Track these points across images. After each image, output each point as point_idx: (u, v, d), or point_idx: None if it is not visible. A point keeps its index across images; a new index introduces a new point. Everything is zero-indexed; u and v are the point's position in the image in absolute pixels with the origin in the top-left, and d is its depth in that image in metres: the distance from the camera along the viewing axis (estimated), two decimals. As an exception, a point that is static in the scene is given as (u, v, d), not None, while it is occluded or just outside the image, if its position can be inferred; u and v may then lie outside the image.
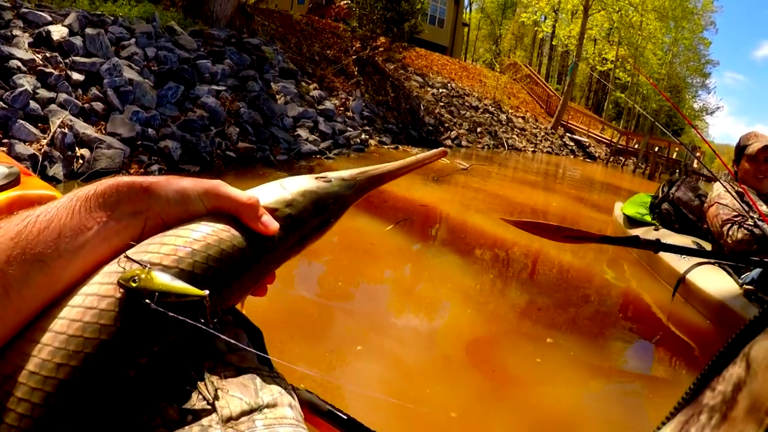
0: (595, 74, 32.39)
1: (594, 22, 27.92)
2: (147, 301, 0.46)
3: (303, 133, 8.18)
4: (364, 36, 12.71)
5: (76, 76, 5.52)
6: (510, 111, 21.49)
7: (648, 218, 4.81)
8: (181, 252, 0.53)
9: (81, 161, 4.75)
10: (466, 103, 18.04)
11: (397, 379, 2.37)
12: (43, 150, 4.59)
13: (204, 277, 0.53)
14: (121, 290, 0.48)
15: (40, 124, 4.87)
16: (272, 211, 0.64)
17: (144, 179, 0.55)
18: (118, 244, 0.53)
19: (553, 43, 38.05)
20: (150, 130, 5.57)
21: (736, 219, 3.43)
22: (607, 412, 2.35)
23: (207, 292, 0.49)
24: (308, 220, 0.68)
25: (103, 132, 5.23)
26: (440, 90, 16.97)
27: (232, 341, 0.55)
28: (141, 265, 0.50)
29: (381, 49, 12.72)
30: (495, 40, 45.80)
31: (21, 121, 4.68)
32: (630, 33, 31.07)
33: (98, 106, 5.43)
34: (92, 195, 0.52)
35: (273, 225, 0.61)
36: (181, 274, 0.51)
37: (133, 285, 0.47)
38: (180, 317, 0.47)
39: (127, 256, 0.51)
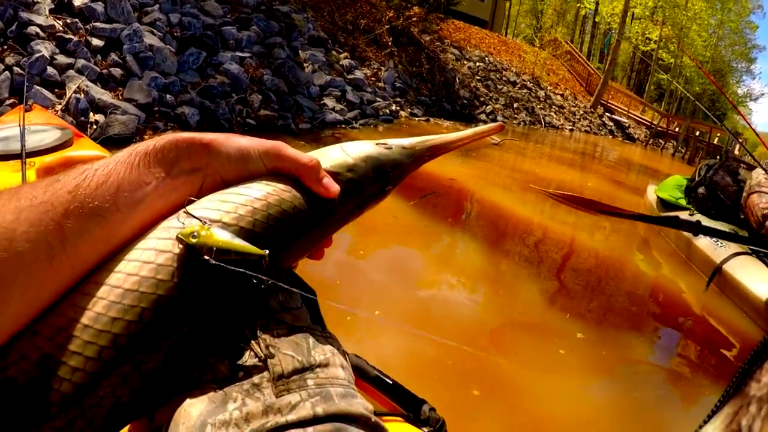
0: (640, 50, 31.27)
1: (638, 0, 26.88)
2: (206, 257, 0.46)
3: (329, 102, 7.94)
4: (399, 6, 12.31)
5: (96, 41, 5.41)
6: (549, 88, 20.84)
7: (683, 202, 4.55)
8: (242, 210, 0.53)
9: (94, 126, 4.63)
10: (504, 78, 17.50)
11: (419, 348, 2.35)
12: (57, 115, 4.50)
13: (264, 236, 0.53)
14: (180, 245, 0.48)
15: (57, 90, 4.82)
16: (334, 175, 0.63)
17: (204, 136, 0.54)
18: (176, 201, 0.53)
19: (596, 20, 37.01)
20: (168, 96, 5.42)
21: None
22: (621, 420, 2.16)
23: (267, 251, 0.49)
24: (368, 186, 0.67)
25: (120, 98, 5.10)
26: (477, 63, 16.46)
27: (294, 291, 0.57)
28: (201, 221, 0.49)
29: (415, 19, 12.33)
30: (536, 16, 44.70)
31: (37, 87, 4.65)
32: (675, 13, 29.79)
33: (117, 71, 5.32)
34: (151, 150, 0.52)
35: (334, 188, 0.61)
36: (241, 232, 0.51)
37: (193, 241, 0.47)
38: (240, 269, 0.47)
39: (186, 212, 0.51)
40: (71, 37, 5.22)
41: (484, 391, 2.10)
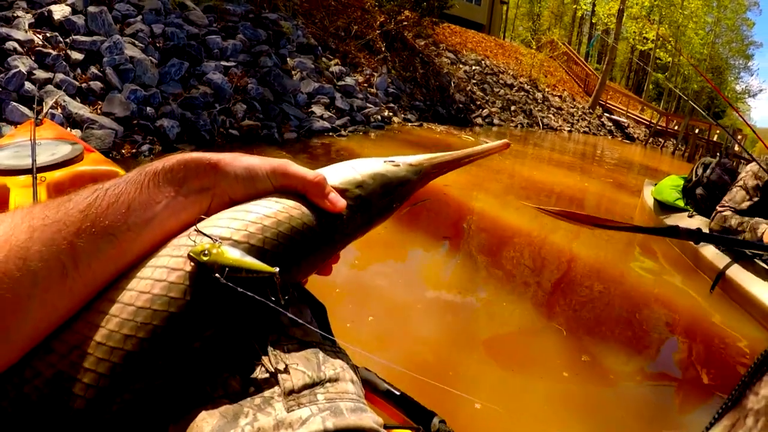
0: (636, 52, 31.23)
1: (634, 0, 26.82)
2: (217, 275, 0.47)
3: (317, 109, 7.81)
4: (391, 10, 12.20)
5: (76, 55, 5.30)
6: (546, 89, 20.70)
7: (680, 203, 4.39)
8: (252, 227, 0.53)
9: (70, 142, 4.52)
10: (501, 81, 17.39)
11: (419, 357, 2.32)
12: (31, 131, 4.40)
13: (274, 253, 0.53)
14: (191, 263, 0.48)
15: (35, 106, 4.68)
16: (342, 192, 0.64)
17: (212, 156, 0.56)
18: (185, 219, 0.54)
19: (593, 21, 37.02)
20: (149, 108, 5.30)
21: (727, 206, 3.40)
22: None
23: (277, 269, 0.49)
24: (376, 202, 0.68)
25: (99, 112, 4.99)
26: (473, 67, 16.35)
27: (298, 321, 0.57)
28: (212, 239, 0.50)
29: (405, 23, 12.23)
30: (533, 19, 44.71)
31: (14, 103, 4.55)
32: (671, 11, 29.78)
33: (96, 85, 5.21)
34: (160, 170, 0.53)
35: (340, 202, 0.62)
36: (251, 250, 0.51)
37: (204, 259, 0.47)
38: (249, 293, 0.47)
39: (197, 230, 0.52)
40: (50, 51, 5.11)
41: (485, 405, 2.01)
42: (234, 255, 0.48)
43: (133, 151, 4.76)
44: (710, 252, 3.54)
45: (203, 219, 0.53)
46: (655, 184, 5.06)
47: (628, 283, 3.71)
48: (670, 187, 4.61)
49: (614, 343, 2.75)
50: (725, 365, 2.69)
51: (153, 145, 4.97)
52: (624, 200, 6.84)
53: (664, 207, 4.60)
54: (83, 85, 5.15)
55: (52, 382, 0.43)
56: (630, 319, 3.15)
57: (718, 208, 3.48)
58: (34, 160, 1.79)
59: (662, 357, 2.76)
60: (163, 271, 0.48)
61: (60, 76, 5.01)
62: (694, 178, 4.27)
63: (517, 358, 2.46)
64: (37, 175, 1.75)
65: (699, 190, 4.13)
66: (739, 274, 3.19)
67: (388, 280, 3.16)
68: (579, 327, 2.87)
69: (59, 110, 4.66)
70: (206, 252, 0.47)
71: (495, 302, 3.02)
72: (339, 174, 0.66)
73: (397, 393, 1.10)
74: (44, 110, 4.68)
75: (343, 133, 7.68)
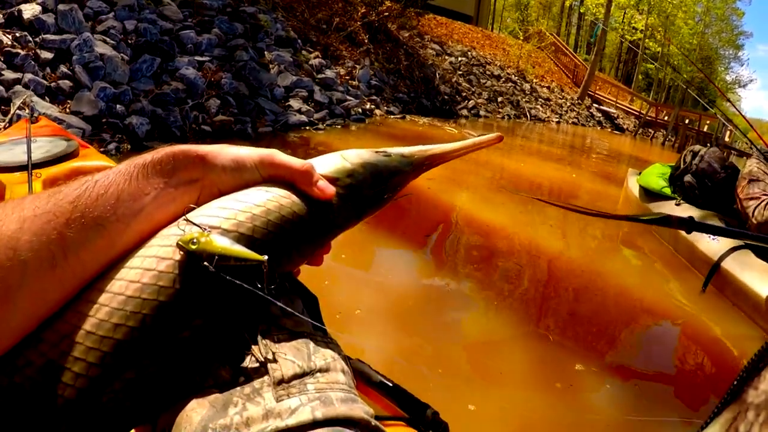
0: (625, 43, 31.26)
1: (623, -11, 26.93)
2: (205, 264, 0.47)
3: (295, 103, 7.71)
4: (373, 1, 12.10)
5: (45, 54, 5.22)
6: (534, 80, 20.66)
7: (667, 191, 4.32)
8: (241, 216, 0.53)
9: (36, 142, 4.46)
10: (487, 72, 17.31)
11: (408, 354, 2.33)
12: (-3, 132, 4.34)
13: (263, 242, 0.53)
14: (181, 252, 0.48)
15: (3, 107, 4.64)
16: (333, 181, 0.64)
17: (199, 148, 0.56)
18: (174, 211, 0.54)
19: (581, 11, 36.99)
20: (119, 106, 5.21)
21: (764, 196, 3.14)
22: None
23: (266, 257, 0.49)
24: (367, 192, 0.68)
25: (68, 111, 4.92)
26: (459, 58, 16.24)
27: (288, 309, 0.56)
28: (201, 228, 0.50)
29: (387, 14, 12.15)
30: (521, 9, 44.62)
31: (-19, 105, 4.45)
32: (660, 0, 29.79)
33: (65, 84, 5.12)
34: (149, 162, 0.53)
35: (329, 189, 0.61)
36: (241, 238, 0.52)
37: (193, 247, 0.47)
38: (237, 281, 0.47)
39: (187, 219, 0.52)
40: (19, 51, 5.03)
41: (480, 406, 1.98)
42: (223, 243, 0.49)
43: (101, 150, 4.70)
44: (701, 245, 3.45)
45: (193, 208, 0.54)
46: (640, 173, 5.01)
47: (616, 285, 3.62)
48: (656, 175, 4.56)
49: (606, 349, 2.71)
50: (719, 366, 2.66)
51: (121, 144, 4.91)
52: (613, 193, 6.77)
53: (650, 194, 4.54)
54: (52, 84, 5.07)
55: (43, 372, 0.43)
56: (620, 322, 3.09)
57: (761, 197, 3.25)
58: (29, 157, 1.81)
59: (656, 361, 2.71)
60: (152, 261, 0.49)
61: (29, 75, 4.93)
62: (682, 166, 4.21)
63: (507, 364, 2.41)
64: (33, 171, 1.77)
65: (688, 178, 4.06)
66: (735, 267, 3.11)
67: (375, 276, 3.18)
68: (569, 333, 2.81)
69: (27, 110, 4.59)
70: (195, 241, 0.48)
71: (483, 302, 2.98)
72: (329, 163, 0.66)
73: (390, 384, 1.09)
74: (11, 111, 4.63)
75: (320, 126, 7.59)
